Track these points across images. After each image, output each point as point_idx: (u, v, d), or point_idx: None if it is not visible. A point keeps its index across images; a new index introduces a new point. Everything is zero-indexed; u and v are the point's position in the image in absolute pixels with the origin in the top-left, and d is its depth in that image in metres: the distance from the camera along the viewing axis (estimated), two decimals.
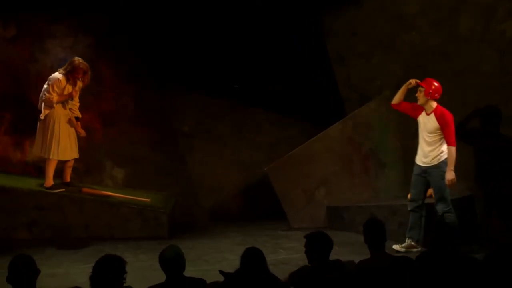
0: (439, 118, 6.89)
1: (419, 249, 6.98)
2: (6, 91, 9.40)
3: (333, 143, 8.81)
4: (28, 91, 8.15)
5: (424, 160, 7.03)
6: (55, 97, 7.94)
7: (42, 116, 8.00)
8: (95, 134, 9.70)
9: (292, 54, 9.97)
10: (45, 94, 7.98)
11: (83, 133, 8.25)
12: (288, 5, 9.36)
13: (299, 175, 8.77)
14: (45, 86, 8.06)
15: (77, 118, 8.24)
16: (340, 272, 4.39)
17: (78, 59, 8.09)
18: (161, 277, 4.35)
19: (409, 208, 7.17)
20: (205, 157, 10.09)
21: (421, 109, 7.08)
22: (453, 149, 6.85)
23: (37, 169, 8.64)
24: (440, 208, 6.93)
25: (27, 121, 9.03)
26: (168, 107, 10.10)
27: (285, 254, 7.20)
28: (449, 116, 6.90)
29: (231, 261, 6.24)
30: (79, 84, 8.11)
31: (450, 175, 6.85)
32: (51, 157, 8.07)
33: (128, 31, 9.73)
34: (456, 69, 8.08)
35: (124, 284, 4.00)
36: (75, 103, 8.23)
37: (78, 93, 8.12)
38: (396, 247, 6.96)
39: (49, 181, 8.15)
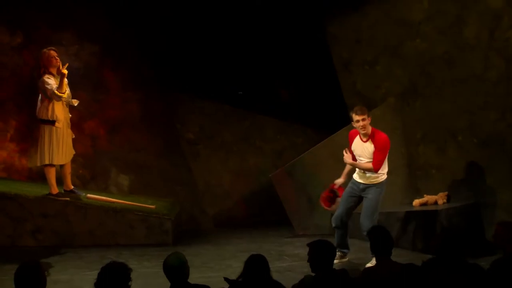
0: (378, 142, 6.75)
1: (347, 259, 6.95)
2: (12, 98, 9.42)
3: (338, 150, 8.77)
4: (34, 98, 8.13)
5: (364, 179, 6.93)
6: (54, 88, 7.65)
7: (50, 117, 7.82)
8: (100, 141, 9.71)
9: (297, 61, 9.98)
10: (47, 94, 7.75)
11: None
12: (293, 12, 9.38)
13: (304, 182, 8.77)
14: (39, 96, 7.89)
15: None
16: (345, 280, 4.36)
17: (43, 50, 7.92)
18: (165, 284, 4.34)
19: (333, 225, 7.06)
20: (210, 164, 10.10)
21: (352, 137, 7.01)
22: (373, 170, 6.73)
23: (42, 176, 8.63)
24: (366, 225, 6.68)
25: (32, 128, 9.04)
26: (173, 114, 10.11)
27: (290, 261, 7.19)
28: (388, 142, 6.78)
29: (236, 268, 6.22)
30: (61, 69, 7.71)
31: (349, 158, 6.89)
32: (45, 163, 7.89)
33: (133, 38, 9.75)
34: (462, 76, 8.06)
35: None
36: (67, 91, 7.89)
37: (65, 76, 7.70)
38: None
39: (54, 188, 8.09)
